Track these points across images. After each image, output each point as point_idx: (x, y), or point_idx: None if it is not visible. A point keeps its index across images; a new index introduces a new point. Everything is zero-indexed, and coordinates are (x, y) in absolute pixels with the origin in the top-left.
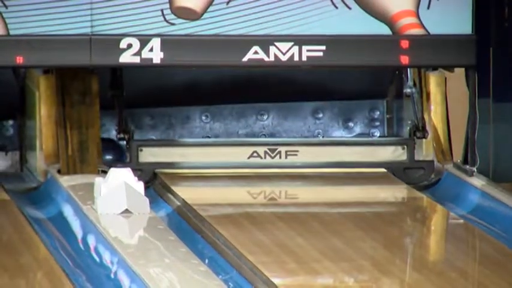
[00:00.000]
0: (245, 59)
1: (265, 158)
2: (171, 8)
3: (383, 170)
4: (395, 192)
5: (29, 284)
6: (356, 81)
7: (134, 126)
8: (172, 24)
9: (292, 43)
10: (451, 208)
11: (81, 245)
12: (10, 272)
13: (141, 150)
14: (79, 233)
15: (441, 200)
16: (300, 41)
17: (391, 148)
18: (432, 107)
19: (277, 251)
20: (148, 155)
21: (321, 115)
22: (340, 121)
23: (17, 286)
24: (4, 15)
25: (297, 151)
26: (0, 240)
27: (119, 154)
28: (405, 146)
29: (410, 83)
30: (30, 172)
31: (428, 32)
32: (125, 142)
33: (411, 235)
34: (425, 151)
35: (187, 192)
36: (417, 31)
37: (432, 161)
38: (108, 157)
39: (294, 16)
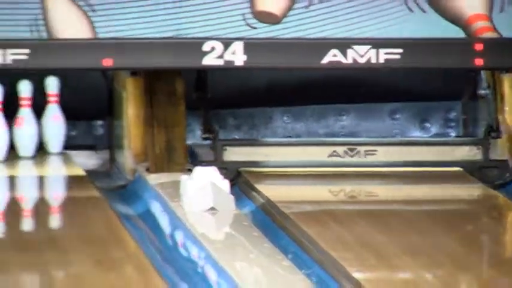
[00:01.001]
0: (324, 61)
1: (344, 157)
2: (252, 12)
3: (459, 169)
4: (471, 191)
5: (120, 277)
6: (432, 83)
7: (219, 126)
8: (254, 28)
9: (370, 46)
10: None
11: (169, 241)
12: (102, 265)
13: (226, 149)
14: (167, 229)
15: None
16: (377, 44)
17: (466, 148)
18: (506, 108)
19: (358, 247)
20: (233, 154)
21: (398, 116)
22: (417, 122)
23: (108, 279)
24: (92, 18)
25: (376, 150)
26: (92, 235)
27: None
28: (480, 146)
29: (484, 84)
30: (119, 170)
31: (501, 35)
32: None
33: (488, 232)
34: (500, 150)
35: (271, 190)
36: (490, 34)
37: (506, 160)
38: None
39: (371, 20)
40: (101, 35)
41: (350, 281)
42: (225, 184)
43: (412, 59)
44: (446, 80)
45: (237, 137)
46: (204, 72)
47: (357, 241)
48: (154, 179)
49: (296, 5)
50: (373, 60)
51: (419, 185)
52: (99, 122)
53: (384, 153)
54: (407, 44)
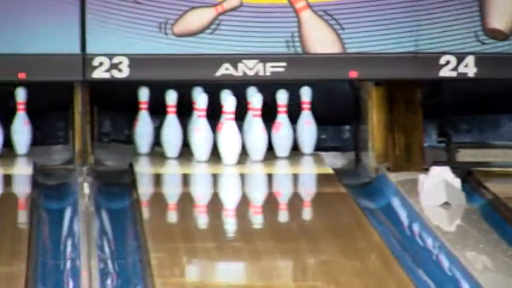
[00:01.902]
0: None
1: None
2: (483, 29)
3: None
4: None
5: (364, 264)
6: None
7: (452, 131)
8: (484, 43)
9: None
10: None
11: (407, 232)
12: (348, 254)
13: (459, 151)
14: (405, 222)
15: None
16: None
17: None
18: None
19: None
20: (465, 155)
21: None
22: None
23: (353, 266)
24: (341, 36)
25: None
26: (339, 227)
27: None
28: None
29: None
30: (363, 169)
31: None
32: (443, 144)
33: None
34: None
35: (499, 188)
36: None
37: None
38: None
39: None
40: (348, 50)
41: None
42: (457, 182)
43: None
44: None
45: (468, 140)
46: (440, 83)
47: None
48: (394, 177)
49: None
50: None
51: None
52: (347, 127)
53: None
54: None
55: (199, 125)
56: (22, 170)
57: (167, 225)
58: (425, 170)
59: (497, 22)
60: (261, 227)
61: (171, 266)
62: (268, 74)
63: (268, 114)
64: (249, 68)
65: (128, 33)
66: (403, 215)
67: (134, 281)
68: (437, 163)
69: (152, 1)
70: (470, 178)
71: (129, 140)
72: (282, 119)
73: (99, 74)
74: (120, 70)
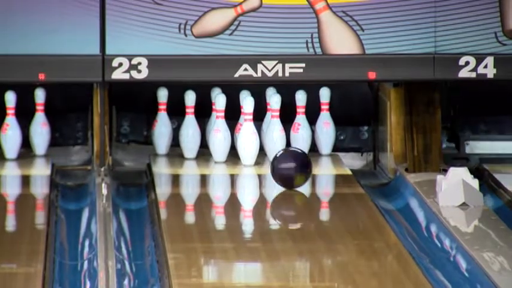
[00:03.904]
0: None
1: None
2: (503, 30)
3: None
4: None
5: (381, 264)
6: None
7: (470, 131)
8: (504, 44)
9: None
10: None
11: (425, 233)
12: (365, 254)
13: (468, 143)
14: (423, 222)
15: None
16: None
17: None
18: None
19: None
20: (474, 147)
21: None
22: None
23: (370, 267)
24: (361, 37)
25: None
26: (356, 227)
27: None
28: None
29: None
30: (381, 170)
31: None
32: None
33: None
34: None
35: None
36: None
37: None
38: None
39: None
40: (368, 51)
41: None
42: (475, 182)
43: None
44: None
45: (485, 142)
46: (458, 83)
47: None
48: (412, 178)
49: None
50: None
51: None
52: (365, 128)
53: None
54: None
55: (218, 125)
56: (40, 171)
57: (185, 226)
58: (443, 171)
59: None
60: (279, 228)
61: (188, 267)
62: (287, 75)
63: (287, 115)
64: (268, 69)
65: (147, 34)
66: (420, 216)
67: (151, 281)
68: (456, 164)
69: (171, 2)
70: (488, 179)
71: (148, 141)
72: (301, 120)
73: (118, 75)
74: (139, 71)
